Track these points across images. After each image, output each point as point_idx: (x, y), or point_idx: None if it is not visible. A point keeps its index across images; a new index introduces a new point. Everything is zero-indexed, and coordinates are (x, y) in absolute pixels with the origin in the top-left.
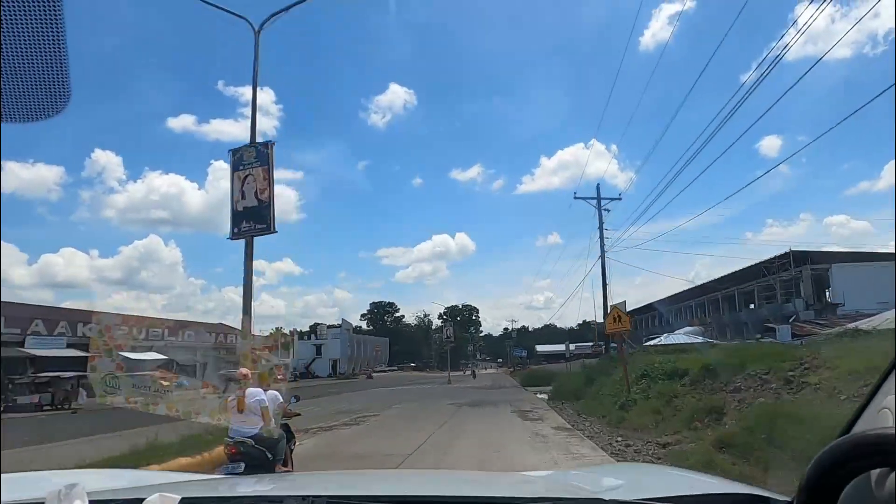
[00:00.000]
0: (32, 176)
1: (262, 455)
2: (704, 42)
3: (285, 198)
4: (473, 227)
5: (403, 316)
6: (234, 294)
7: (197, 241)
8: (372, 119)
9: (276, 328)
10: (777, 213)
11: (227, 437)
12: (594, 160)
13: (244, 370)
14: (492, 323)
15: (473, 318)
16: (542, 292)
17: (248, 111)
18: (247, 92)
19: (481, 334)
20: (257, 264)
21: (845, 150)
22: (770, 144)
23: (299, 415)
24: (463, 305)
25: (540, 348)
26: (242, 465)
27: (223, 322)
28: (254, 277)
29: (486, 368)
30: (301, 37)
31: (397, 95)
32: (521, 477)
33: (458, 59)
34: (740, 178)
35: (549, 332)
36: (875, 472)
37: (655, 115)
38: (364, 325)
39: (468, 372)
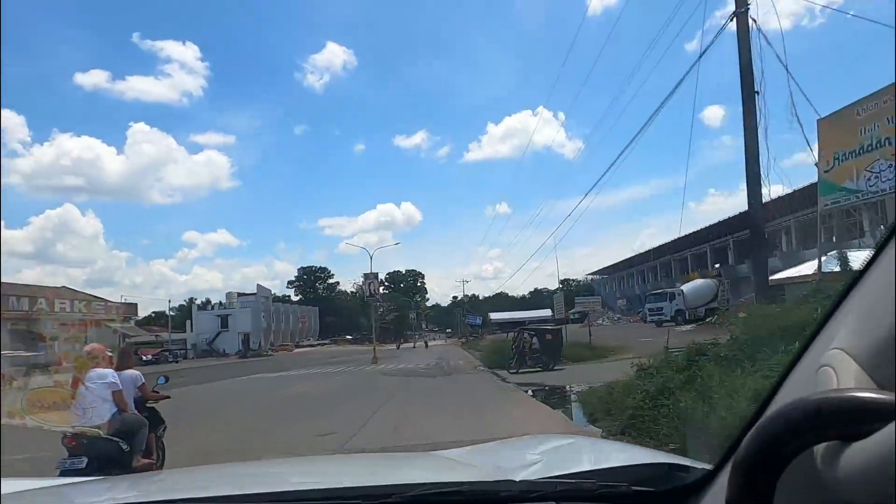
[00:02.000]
0: None
1: (113, 447)
2: (653, 9)
3: (217, 164)
4: (420, 196)
5: (338, 283)
6: (164, 267)
7: (119, 211)
8: (308, 80)
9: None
10: (719, 184)
11: (65, 430)
12: (542, 127)
13: (91, 346)
14: (440, 294)
15: (419, 284)
16: (491, 262)
17: (169, 68)
18: (167, 46)
19: (429, 303)
20: (189, 235)
21: (781, 124)
22: (713, 115)
23: (168, 397)
24: (407, 271)
25: (494, 316)
26: (85, 459)
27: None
28: (186, 250)
29: (433, 339)
30: None
31: (335, 55)
32: (432, 458)
33: (402, 19)
34: (684, 148)
35: (501, 301)
36: (824, 445)
37: (605, 81)
38: (292, 293)
39: (414, 344)
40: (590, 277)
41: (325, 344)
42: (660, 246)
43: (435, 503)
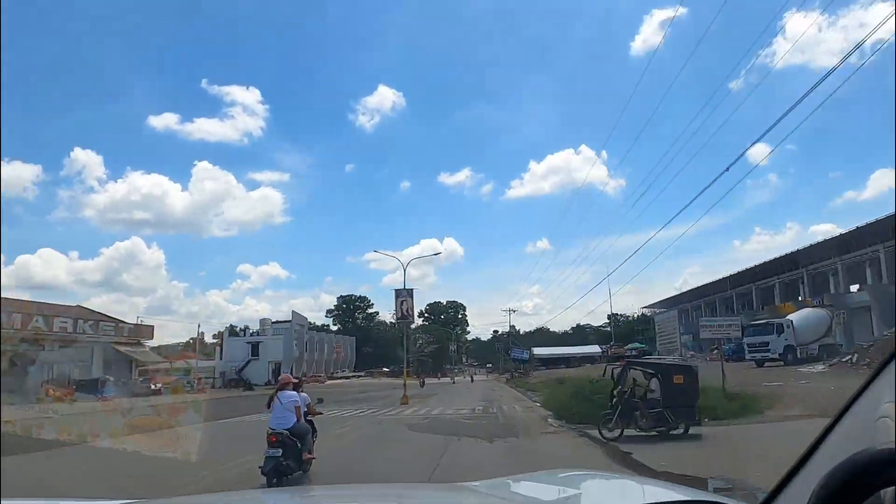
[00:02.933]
0: (9, 173)
1: (294, 444)
2: (696, 48)
3: (271, 200)
4: (462, 232)
5: (377, 313)
6: (218, 297)
7: (181, 243)
8: (360, 121)
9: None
10: (765, 222)
11: (269, 429)
12: (584, 166)
13: (284, 376)
14: (480, 329)
15: (460, 316)
16: (531, 298)
17: (232, 111)
18: (231, 90)
19: (469, 337)
20: (242, 267)
21: (831, 160)
22: (759, 152)
23: (321, 413)
24: (448, 302)
25: (538, 351)
26: (280, 450)
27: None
28: (239, 281)
29: (474, 374)
30: (288, 33)
31: (386, 97)
32: (465, 491)
33: (448, 62)
34: (727, 187)
35: (543, 336)
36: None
37: (647, 120)
38: (331, 323)
39: (453, 378)
40: (645, 311)
41: (360, 376)
42: (740, 272)
43: None
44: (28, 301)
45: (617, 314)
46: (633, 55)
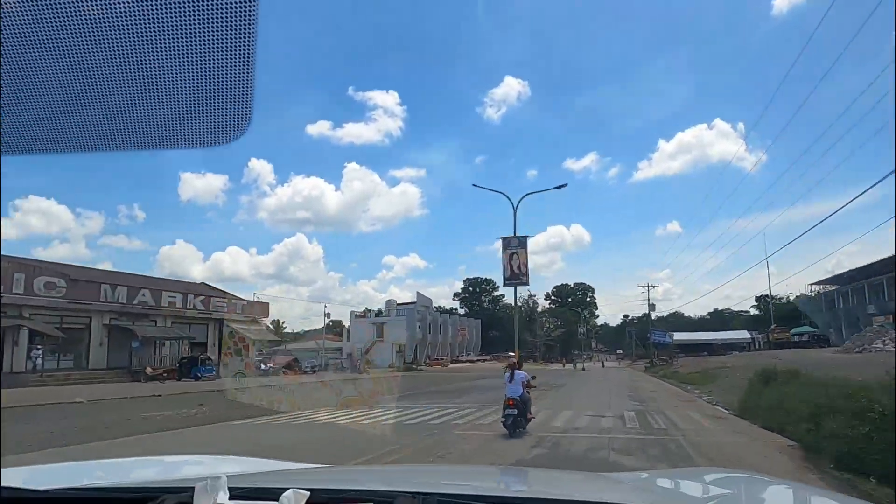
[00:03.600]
0: (204, 184)
1: (522, 407)
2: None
3: (410, 195)
4: (588, 217)
5: (503, 296)
6: (367, 287)
7: (335, 238)
8: (487, 113)
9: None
10: None
11: (506, 396)
12: (718, 141)
13: (513, 358)
14: (608, 316)
15: (588, 299)
16: (660, 283)
17: (376, 114)
18: (375, 96)
19: (597, 321)
20: (387, 259)
21: None
22: None
23: (535, 387)
24: (575, 284)
25: (678, 336)
26: (516, 410)
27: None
28: (385, 271)
29: (605, 360)
30: (419, 35)
31: (511, 87)
32: (615, 481)
33: (570, 47)
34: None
35: (677, 321)
36: None
37: (790, 88)
38: (458, 305)
39: (582, 365)
40: (814, 290)
41: (485, 360)
42: None
43: None
44: (134, 274)
45: (766, 296)
46: (774, 14)
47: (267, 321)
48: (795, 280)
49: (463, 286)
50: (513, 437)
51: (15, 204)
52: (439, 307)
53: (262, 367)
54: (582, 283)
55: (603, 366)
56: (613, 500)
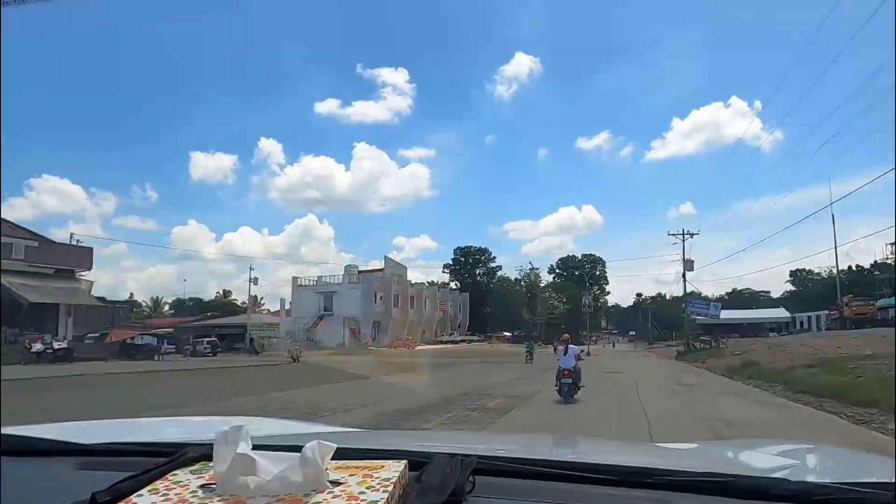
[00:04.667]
0: (214, 164)
1: (576, 377)
2: None
3: (419, 176)
4: (600, 198)
5: (500, 268)
6: (378, 266)
7: (346, 219)
8: (498, 91)
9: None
10: None
11: (561, 367)
12: (734, 120)
13: (566, 336)
14: (619, 297)
15: (598, 273)
16: (672, 266)
17: (385, 92)
18: (383, 73)
19: (608, 299)
20: (398, 240)
21: None
22: None
23: (583, 359)
24: (583, 256)
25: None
26: (570, 379)
27: None
28: (395, 252)
29: (615, 342)
30: (429, 10)
31: (522, 64)
32: (675, 450)
33: (584, 22)
34: None
35: (694, 300)
36: None
37: (811, 61)
38: (447, 278)
39: (587, 348)
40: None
41: (472, 340)
42: None
43: (699, 490)
44: None
45: (802, 270)
46: None
47: (87, 276)
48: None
49: (454, 256)
50: (567, 403)
51: (29, 183)
52: (433, 282)
53: (37, 345)
54: (591, 255)
55: (614, 346)
56: (664, 467)
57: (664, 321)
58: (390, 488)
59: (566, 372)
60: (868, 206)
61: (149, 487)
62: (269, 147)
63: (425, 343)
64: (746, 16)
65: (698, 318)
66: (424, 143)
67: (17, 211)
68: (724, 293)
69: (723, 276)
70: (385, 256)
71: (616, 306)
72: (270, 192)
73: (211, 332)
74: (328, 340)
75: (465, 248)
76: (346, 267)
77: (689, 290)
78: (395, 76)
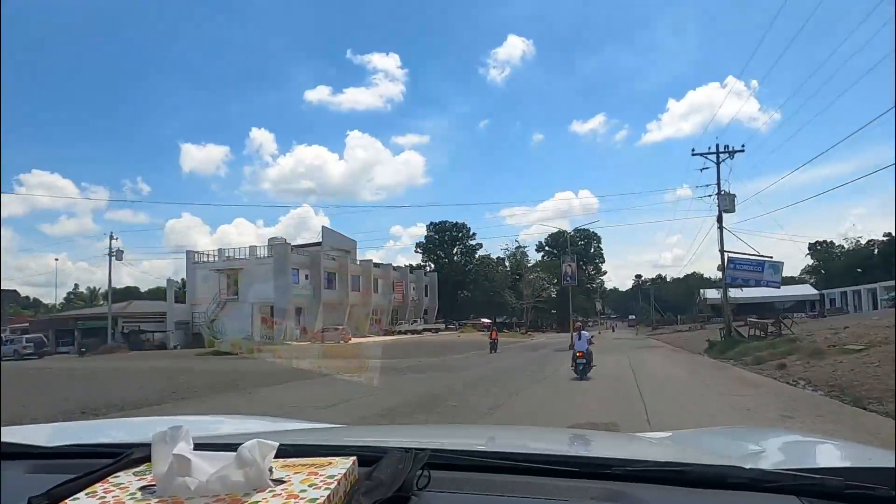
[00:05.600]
0: (204, 155)
1: (587, 360)
2: None
3: (413, 163)
4: (596, 182)
5: (480, 245)
6: (375, 257)
7: (341, 209)
8: (491, 75)
9: None
10: None
11: (575, 350)
12: (731, 100)
13: (578, 324)
14: (616, 282)
15: (592, 250)
16: (670, 249)
17: (376, 78)
18: (374, 59)
19: (604, 280)
20: (395, 229)
21: None
22: None
23: (593, 343)
24: (575, 230)
25: (712, 294)
26: (584, 360)
27: None
28: (391, 242)
29: (614, 326)
30: None
31: (515, 47)
32: (633, 438)
33: (579, 5)
34: None
35: (696, 282)
36: None
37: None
38: (420, 259)
39: (573, 337)
40: None
41: (438, 330)
42: None
43: (657, 480)
44: None
45: (825, 242)
46: None
47: None
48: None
49: (427, 234)
50: (582, 379)
51: (19, 178)
52: (415, 266)
53: None
54: (585, 230)
55: (613, 331)
56: (622, 457)
57: (666, 304)
58: (333, 485)
59: (580, 353)
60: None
61: (87, 490)
62: (261, 137)
63: (375, 334)
64: None
65: (748, 280)
66: (418, 130)
67: (8, 207)
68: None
69: (721, 250)
70: (323, 227)
71: (614, 290)
72: (263, 182)
73: (75, 327)
74: (235, 331)
75: (440, 223)
76: (269, 240)
77: (691, 272)
78: (387, 62)
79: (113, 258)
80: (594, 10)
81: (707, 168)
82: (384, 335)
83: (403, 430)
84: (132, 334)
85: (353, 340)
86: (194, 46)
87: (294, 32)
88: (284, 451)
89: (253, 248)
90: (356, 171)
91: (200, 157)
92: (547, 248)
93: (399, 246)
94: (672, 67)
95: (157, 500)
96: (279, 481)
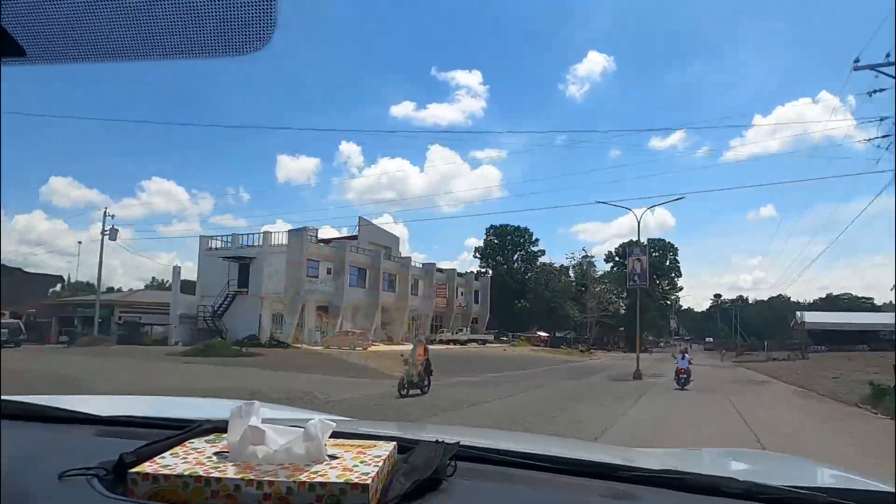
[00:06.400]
0: (298, 166)
1: (688, 374)
2: None
3: (490, 177)
4: (671, 196)
5: (542, 252)
6: (449, 268)
7: (419, 220)
8: (570, 91)
9: None
10: None
11: (678, 367)
12: (823, 115)
13: (684, 347)
14: (691, 302)
15: (668, 263)
16: (750, 272)
17: (458, 94)
18: (456, 75)
19: (679, 296)
20: (469, 241)
21: None
22: None
23: (692, 364)
24: (650, 241)
25: (812, 317)
26: (685, 375)
27: None
28: (465, 254)
29: (686, 349)
30: (502, 11)
31: (595, 63)
32: (650, 453)
33: (661, 21)
34: None
35: (782, 305)
36: None
37: None
38: (478, 266)
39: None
40: None
41: (486, 341)
42: None
43: (657, 484)
44: None
45: None
46: None
47: None
48: None
49: (485, 238)
50: (683, 389)
51: (141, 185)
52: (480, 271)
53: None
54: (660, 240)
55: (683, 357)
56: (629, 464)
57: (748, 328)
58: (380, 463)
59: (682, 370)
60: None
61: (170, 451)
62: (349, 150)
63: (410, 342)
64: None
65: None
66: (496, 145)
67: (129, 209)
68: (815, 298)
69: (808, 277)
70: (360, 218)
71: (689, 310)
72: (349, 193)
73: (75, 314)
74: (242, 329)
75: (500, 227)
76: (289, 231)
77: (776, 294)
78: (469, 78)
79: (106, 237)
80: (676, 25)
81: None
82: (432, 344)
83: (434, 427)
84: (130, 326)
85: (377, 348)
86: (295, 66)
87: (384, 53)
88: (336, 433)
89: (267, 235)
90: (435, 184)
91: (294, 167)
92: (617, 258)
93: (473, 258)
94: (758, 81)
95: (231, 463)
96: (333, 457)
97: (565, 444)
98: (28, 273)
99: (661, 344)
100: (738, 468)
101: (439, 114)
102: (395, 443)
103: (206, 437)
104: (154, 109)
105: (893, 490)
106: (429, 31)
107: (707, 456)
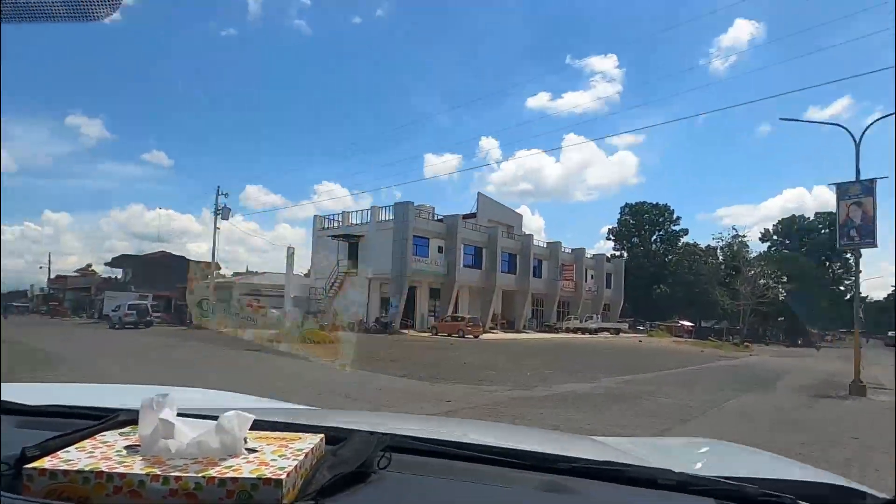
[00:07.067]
0: (441, 162)
1: None
2: None
3: (626, 163)
4: (836, 177)
5: (685, 232)
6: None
7: (554, 208)
8: (713, 66)
9: None
10: None
11: None
12: None
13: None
14: (865, 289)
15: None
16: None
17: (593, 80)
18: (593, 62)
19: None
20: (604, 229)
21: None
22: None
23: None
24: (816, 215)
25: None
26: None
27: None
28: (601, 242)
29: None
30: None
31: (742, 31)
32: (588, 440)
33: None
34: None
35: None
36: None
37: None
38: (612, 246)
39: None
40: None
41: (619, 331)
42: None
43: (595, 476)
44: None
45: None
46: None
47: None
48: None
49: (620, 217)
50: None
51: (314, 188)
52: (614, 255)
53: None
54: (828, 213)
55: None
56: (570, 454)
57: None
58: (301, 457)
59: None
60: None
61: (76, 445)
62: (488, 145)
63: (533, 329)
64: None
65: None
66: (633, 129)
67: (304, 209)
68: None
69: None
70: (479, 193)
71: (866, 298)
72: (487, 186)
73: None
74: (352, 312)
75: (636, 204)
76: (395, 205)
77: None
78: (604, 63)
79: (219, 217)
80: None
81: None
82: (541, 332)
83: (370, 415)
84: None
85: (492, 336)
86: (439, 68)
87: (520, 45)
88: (259, 425)
89: (375, 210)
90: (570, 173)
91: (438, 163)
92: (775, 237)
93: (609, 245)
94: None
95: (140, 458)
96: (252, 450)
97: (508, 433)
98: (175, 257)
99: (828, 338)
100: (684, 459)
101: (575, 101)
102: (322, 435)
103: (121, 430)
104: (318, 119)
105: (826, 481)
106: (563, 20)
107: (659, 445)
